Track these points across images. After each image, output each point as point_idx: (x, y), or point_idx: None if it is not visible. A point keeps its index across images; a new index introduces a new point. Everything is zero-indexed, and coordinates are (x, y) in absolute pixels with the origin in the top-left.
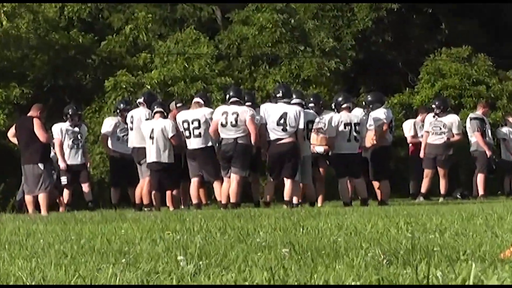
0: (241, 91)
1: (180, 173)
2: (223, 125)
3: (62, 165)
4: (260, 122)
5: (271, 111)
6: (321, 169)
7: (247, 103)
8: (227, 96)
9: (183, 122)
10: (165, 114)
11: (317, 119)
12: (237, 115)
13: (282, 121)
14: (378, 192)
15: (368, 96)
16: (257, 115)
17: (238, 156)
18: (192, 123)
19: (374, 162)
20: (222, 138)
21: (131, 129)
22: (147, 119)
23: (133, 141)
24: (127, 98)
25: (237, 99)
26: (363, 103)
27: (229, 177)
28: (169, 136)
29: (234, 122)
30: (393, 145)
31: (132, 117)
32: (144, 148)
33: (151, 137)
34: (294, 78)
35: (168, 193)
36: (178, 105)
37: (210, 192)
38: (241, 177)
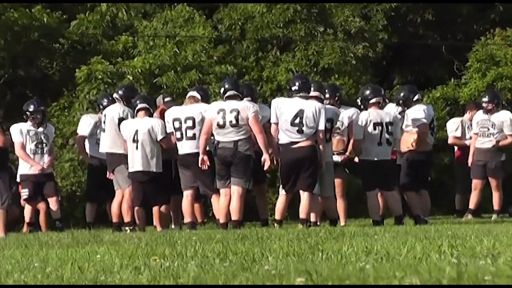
0: (238, 83)
1: (170, 184)
2: (220, 126)
3: (31, 170)
4: (264, 120)
5: (284, 108)
6: (338, 180)
7: (246, 98)
8: (222, 90)
9: (173, 120)
10: (151, 111)
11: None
12: (238, 112)
13: (297, 120)
14: (413, 205)
15: (401, 91)
16: (262, 112)
17: (240, 164)
18: (185, 122)
19: (410, 171)
20: (218, 142)
21: (103, 130)
22: (121, 118)
23: (104, 146)
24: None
25: (235, 93)
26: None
27: (228, 188)
28: (158, 139)
29: (234, 122)
30: (434, 150)
31: (105, 115)
32: (118, 154)
33: (135, 141)
34: (312, 67)
35: (155, 209)
36: (167, 99)
37: (207, 208)
38: (243, 189)
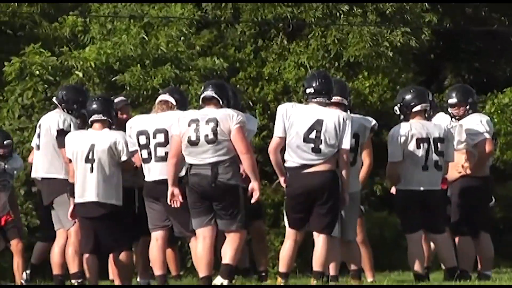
0: (224, 84)
1: (132, 223)
2: (192, 143)
3: None
4: (251, 136)
5: (295, 117)
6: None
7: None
8: (201, 93)
9: (138, 134)
10: (111, 121)
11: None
12: (216, 123)
13: (313, 134)
14: (464, 256)
15: (452, 93)
16: (248, 124)
17: (224, 199)
18: (155, 136)
19: (463, 205)
20: (190, 166)
21: (38, 147)
22: (60, 131)
23: (38, 168)
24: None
25: (213, 96)
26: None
27: (210, 228)
28: (122, 159)
29: (211, 136)
30: (499, 177)
31: (39, 127)
32: (58, 180)
33: (89, 160)
34: (332, 61)
35: (112, 257)
36: (118, 99)
37: (184, 256)
38: (240, 234)
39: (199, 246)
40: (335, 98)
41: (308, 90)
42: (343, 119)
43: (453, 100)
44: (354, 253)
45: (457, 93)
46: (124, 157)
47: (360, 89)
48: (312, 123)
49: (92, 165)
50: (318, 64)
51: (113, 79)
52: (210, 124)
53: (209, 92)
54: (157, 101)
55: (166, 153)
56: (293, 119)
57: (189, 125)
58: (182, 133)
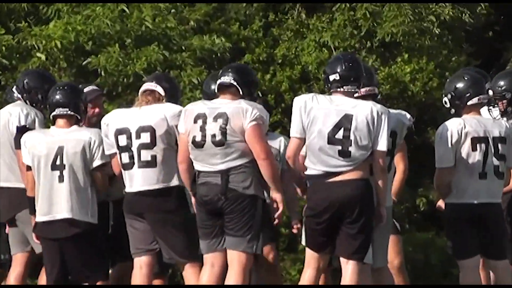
0: (250, 71)
1: (109, 245)
2: (197, 144)
3: None
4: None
5: (316, 112)
6: (392, 238)
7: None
8: (215, 81)
9: (117, 134)
10: (79, 117)
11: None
12: (225, 120)
13: (340, 134)
14: None
15: (499, 80)
16: (267, 121)
17: (237, 211)
18: (138, 136)
19: None
20: (198, 173)
21: None
22: (22, 128)
23: None
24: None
25: (234, 84)
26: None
27: (221, 254)
28: (95, 165)
29: (219, 137)
30: None
31: None
32: (21, 190)
33: (56, 167)
34: (362, 39)
35: None
36: (88, 89)
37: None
38: (247, 256)
39: (205, 274)
40: (366, 89)
41: (331, 77)
42: (378, 113)
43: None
44: (386, 282)
45: (507, 78)
46: (97, 161)
47: (399, 76)
48: (338, 119)
49: (61, 172)
50: (344, 44)
51: (84, 63)
52: (218, 121)
53: (226, 78)
54: (140, 91)
55: (153, 157)
56: (314, 114)
57: (195, 122)
58: (188, 131)
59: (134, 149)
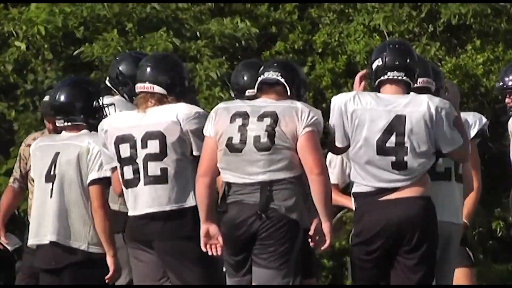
0: (297, 69)
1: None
2: (232, 149)
3: None
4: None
5: (359, 115)
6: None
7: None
8: (248, 71)
9: (118, 142)
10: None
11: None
12: (275, 120)
13: (392, 140)
14: None
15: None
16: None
17: (275, 237)
18: (145, 145)
19: None
20: (228, 188)
21: None
22: None
23: None
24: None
25: (282, 81)
26: None
27: None
28: (91, 178)
29: (264, 139)
30: None
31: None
32: None
33: (49, 180)
34: (422, 22)
35: None
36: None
37: None
38: None
39: None
40: (422, 81)
41: (375, 64)
42: (438, 109)
43: None
44: None
45: None
46: (94, 175)
47: (469, 68)
48: (388, 121)
49: (51, 187)
50: (400, 29)
51: (75, 53)
52: (265, 121)
53: (272, 74)
54: (138, 85)
55: (163, 171)
56: (358, 119)
57: (231, 121)
58: (219, 134)
59: (140, 161)
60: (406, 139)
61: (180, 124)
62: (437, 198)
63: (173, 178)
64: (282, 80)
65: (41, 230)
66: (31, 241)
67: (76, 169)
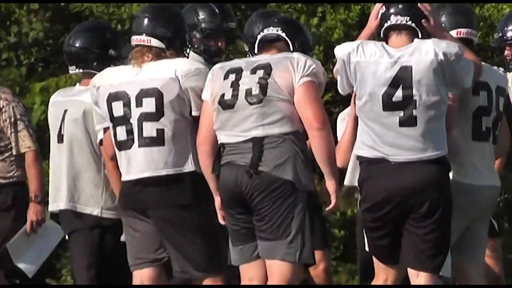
0: (299, 25)
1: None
2: (224, 105)
3: None
4: None
5: (363, 68)
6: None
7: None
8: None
9: (110, 100)
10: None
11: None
12: (270, 70)
13: (398, 95)
14: None
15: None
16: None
17: (268, 202)
18: (139, 103)
19: None
20: (222, 149)
21: None
22: None
23: None
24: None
25: (283, 36)
26: None
27: (260, 264)
28: (100, 138)
29: (256, 91)
30: None
31: None
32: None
33: (60, 140)
34: None
35: None
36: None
37: None
38: (293, 267)
39: None
40: (463, 32)
41: (382, 11)
42: (447, 55)
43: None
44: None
45: None
46: (101, 135)
47: (494, 20)
48: (393, 73)
49: (62, 146)
50: None
51: (63, 3)
52: (257, 73)
53: (273, 29)
54: (132, 39)
55: (160, 132)
56: (361, 71)
57: (225, 78)
58: (214, 95)
59: (134, 121)
60: (414, 91)
61: (179, 81)
62: (481, 160)
63: (171, 140)
64: (283, 34)
65: (58, 195)
66: (50, 207)
67: (83, 129)
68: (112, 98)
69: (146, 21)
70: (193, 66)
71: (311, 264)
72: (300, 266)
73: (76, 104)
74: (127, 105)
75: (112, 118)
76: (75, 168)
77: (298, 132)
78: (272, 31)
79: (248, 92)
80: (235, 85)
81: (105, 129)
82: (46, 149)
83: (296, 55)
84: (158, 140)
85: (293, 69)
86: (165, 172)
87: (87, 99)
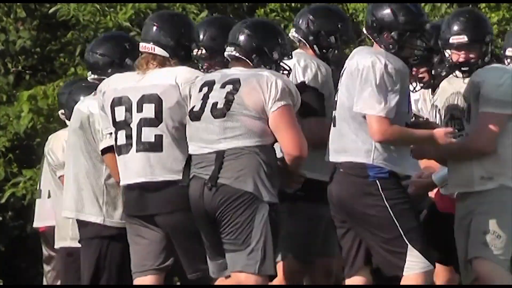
0: (277, 28)
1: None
2: (193, 117)
3: None
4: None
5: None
6: None
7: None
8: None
9: (114, 105)
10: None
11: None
12: (237, 86)
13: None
14: None
15: (455, 22)
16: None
17: (228, 214)
18: (140, 108)
19: None
20: (191, 159)
21: None
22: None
23: None
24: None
25: (236, 55)
26: None
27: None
28: (101, 147)
29: (220, 104)
30: None
31: None
32: None
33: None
34: None
35: None
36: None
37: None
38: (253, 279)
39: None
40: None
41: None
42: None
43: (459, 38)
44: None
45: (464, 23)
46: (104, 143)
47: None
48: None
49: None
50: None
51: (50, 11)
52: (226, 88)
53: (227, 51)
54: (141, 44)
55: (158, 138)
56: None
57: (199, 91)
58: (190, 106)
59: (134, 126)
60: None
61: (179, 88)
62: None
63: (169, 146)
64: (237, 54)
65: (66, 203)
66: (63, 213)
67: (80, 138)
68: (116, 103)
69: (152, 28)
70: (193, 75)
71: (274, 276)
72: (262, 277)
73: (76, 113)
74: (128, 110)
75: (115, 122)
76: (77, 176)
77: (264, 146)
78: (228, 52)
79: (214, 106)
80: (205, 98)
81: (108, 135)
82: (33, 156)
83: (266, 73)
84: (156, 145)
85: (261, 90)
86: (162, 178)
87: (84, 109)
